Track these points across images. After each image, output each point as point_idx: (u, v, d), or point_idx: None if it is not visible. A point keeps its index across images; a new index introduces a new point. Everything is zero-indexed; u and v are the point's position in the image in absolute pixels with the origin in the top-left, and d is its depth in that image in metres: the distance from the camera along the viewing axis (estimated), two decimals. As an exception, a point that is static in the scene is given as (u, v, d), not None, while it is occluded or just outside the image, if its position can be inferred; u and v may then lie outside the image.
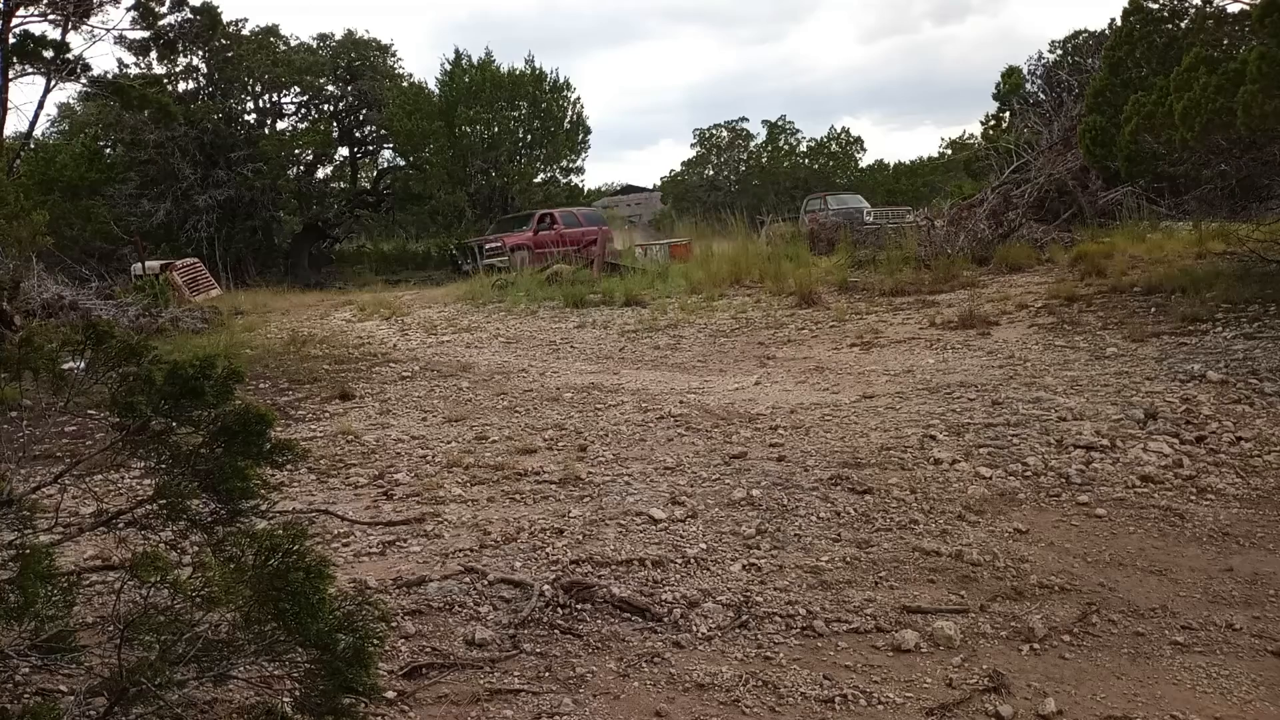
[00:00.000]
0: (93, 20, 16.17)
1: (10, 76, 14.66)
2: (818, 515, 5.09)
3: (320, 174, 40.94)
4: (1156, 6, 13.47)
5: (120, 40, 17.95)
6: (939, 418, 6.87)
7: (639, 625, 3.96)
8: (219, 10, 25.69)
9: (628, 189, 51.96)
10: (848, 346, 10.32)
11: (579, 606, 4.10)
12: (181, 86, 33.44)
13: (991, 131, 32.97)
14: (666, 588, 4.25)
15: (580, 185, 47.37)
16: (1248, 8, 11.85)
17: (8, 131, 15.01)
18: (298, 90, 41.14)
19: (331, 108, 42.54)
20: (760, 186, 41.49)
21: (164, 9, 18.79)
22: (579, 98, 45.54)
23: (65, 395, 2.88)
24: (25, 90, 18.03)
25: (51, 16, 15.33)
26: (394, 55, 43.00)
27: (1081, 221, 17.85)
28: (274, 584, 2.46)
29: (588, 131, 45.52)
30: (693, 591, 4.20)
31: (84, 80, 15.65)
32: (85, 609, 3.88)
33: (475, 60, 43.23)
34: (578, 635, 3.88)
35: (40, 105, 15.62)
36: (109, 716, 2.41)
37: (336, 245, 38.67)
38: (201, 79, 36.10)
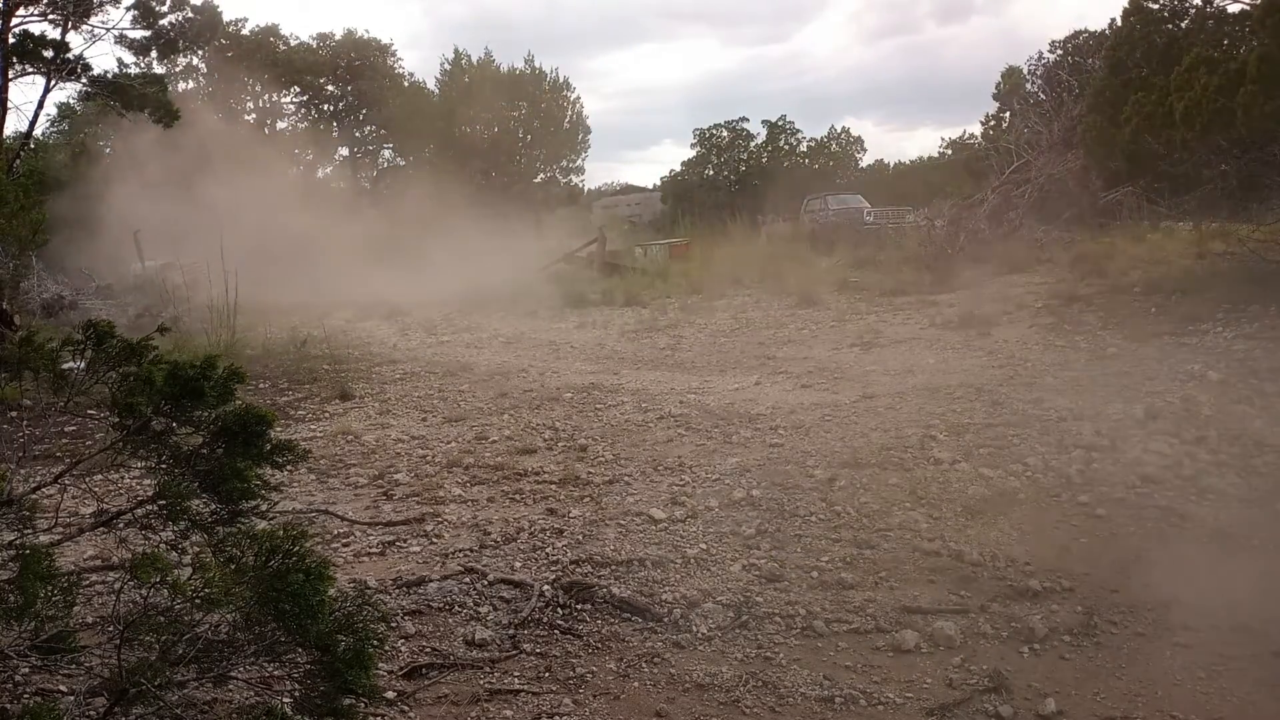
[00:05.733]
0: (93, 20, 16.13)
1: (10, 76, 14.64)
2: (818, 515, 5.09)
3: (320, 174, 41.01)
4: (1156, 6, 13.47)
5: (120, 40, 17.93)
6: (939, 418, 6.86)
7: (639, 625, 3.96)
8: (219, 10, 25.68)
9: (628, 189, 52.01)
10: (848, 346, 10.32)
11: (579, 607, 4.10)
12: (181, 86, 33.48)
13: (992, 131, 32.98)
14: (666, 588, 4.25)
15: (580, 185, 47.46)
16: (1248, 8, 11.86)
17: (8, 131, 14.98)
18: (298, 90, 41.21)
19: (331, 108, 42.60)
20: (760, 186, 41.44)
21: (164, 9, 18.74)
22: (578, 97, 45.58)
23: (65, 395, 2.87)
24: (25, 90, 17.96)
25: (51, 16, 15.29)
26: (394, 55, 43.08)
27: (1081, 221, 17.84)
28: (274, 585, 2.45)
29: (587, 131, 45.53)
30: (693, 592, 4.20)
31: (84, 80, 15.61)
32: (85, 609, 3.89)
33: (475, 60, 43.33)
34: (578, 635, 3.88)
35: (40, 105, 15.53)
36: (109, 716, 2.41)
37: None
38: (201, 79, 36.15)
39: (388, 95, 40.89)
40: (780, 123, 47.63)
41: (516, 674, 3.59)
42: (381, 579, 4.41)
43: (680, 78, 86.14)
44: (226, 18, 31.33)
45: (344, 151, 43.73)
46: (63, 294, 18.99)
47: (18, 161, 14.23)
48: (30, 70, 15.02)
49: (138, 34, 18.12)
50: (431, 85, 43.57)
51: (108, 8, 16.08)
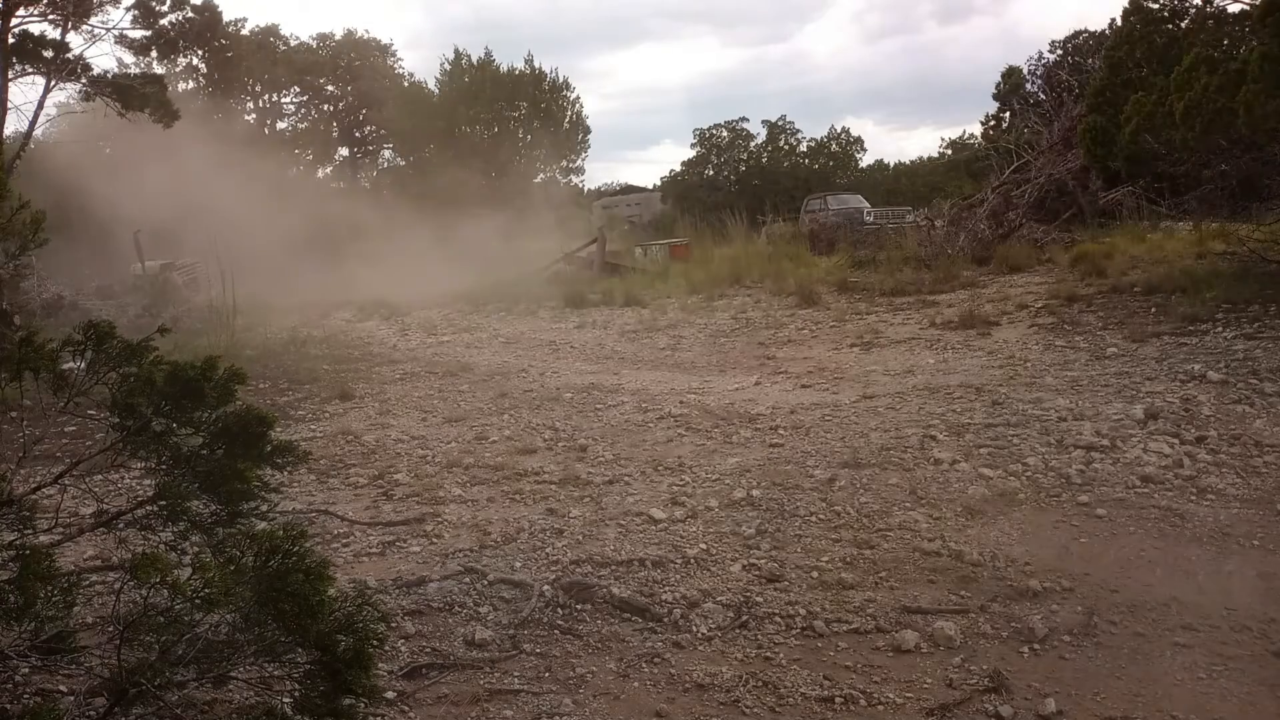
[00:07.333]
0: (93, 20, 16.17)
1: (10, 76, 14.66)
2: (818, 515, 5.09)
3: (320, 174, 41.04)
4: (1156, 6, 13.48)
5: (120, 40, 17.96)
6: (939, 418, 6.86)
7: (639, 625, 3.96)
8: (219, 10, 25.70)
9: (628, 189, 51.96)
10: (848, 346, 10.32)
11: (579, 607, 4.10)
12: (181, 86, 33.46)
13: (992, 131, 32.99)
14: (666, 588, 4.25)
15: (580, 185, 47.44)
16: (1248, 8, 11.87)
17: (7, 131, 15.01)
18: (298, 90, 41.27)
19: (331, 108, 42.64)
20: (760, 186, 41.35)
21: (164, 9, 18.79)
22: (578, 97, 45.60)
23: (65, 395, 2.87)
24: (25, 90, 17.96)
25: (51, 16, 15.32)
26: (394, 55, 43.13)
27: (1081, 221, 17.86)
28: (274, 585, 2.45)
29: (587, 131, 45.54)
30: (693, 592, 4.20)
31: (84, 80, 15.63)
32: (85, 609, 3.88)
33: (475, 60, 43.33)
34: (578, 635, 3.88)
35: (40, 105, 15.55)
36: (109, 716, 2.41)
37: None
38: (201, 79, 36.15)
39: (388, 95, 40.91)
40: (780, 123, 47.56)
41: (516, 674, 3.59)
42: (381, 579, 4.41)
43: (680, 78, 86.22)
44: (226, 18, 31.32)
45: (344, 151, 43.79)
46: (63, 294, 18.99)
47: (18, 161, 14.24)
48: (30, 70, 15.05)
49: (137, 34, 18.15)
50: (431, 85, 43.59)
51: (108, 8, 16.13)
